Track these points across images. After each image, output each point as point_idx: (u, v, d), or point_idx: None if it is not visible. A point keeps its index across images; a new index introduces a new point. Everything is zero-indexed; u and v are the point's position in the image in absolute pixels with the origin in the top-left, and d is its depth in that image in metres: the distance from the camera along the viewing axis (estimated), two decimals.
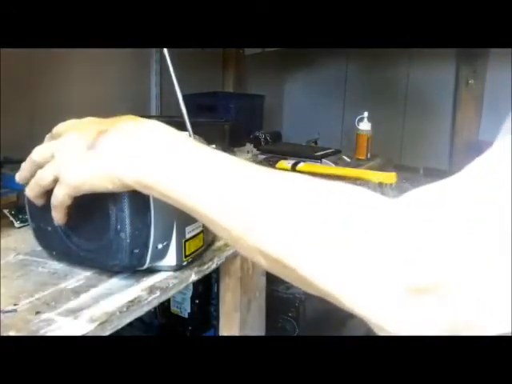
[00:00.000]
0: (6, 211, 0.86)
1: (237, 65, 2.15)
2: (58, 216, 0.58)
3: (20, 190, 0.92)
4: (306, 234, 0.37)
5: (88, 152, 0.51)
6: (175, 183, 0.45)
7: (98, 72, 1.57)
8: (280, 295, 1.20)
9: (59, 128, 0.58)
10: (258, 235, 0.40)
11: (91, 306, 0.58)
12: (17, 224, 0.83)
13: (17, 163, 1.14)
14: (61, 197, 0.54)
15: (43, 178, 0.55)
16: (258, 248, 0.40)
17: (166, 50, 0.59)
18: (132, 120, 0.51)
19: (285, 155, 1.43)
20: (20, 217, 0.84)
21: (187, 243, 0.68)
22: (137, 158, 0.47)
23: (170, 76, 0.60)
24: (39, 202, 0.60)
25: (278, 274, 0.42)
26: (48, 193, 0.63)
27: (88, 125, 0.54)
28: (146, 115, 1.67)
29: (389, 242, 0.34)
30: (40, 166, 0.56)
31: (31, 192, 0.59)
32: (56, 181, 0.54)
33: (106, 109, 1.66)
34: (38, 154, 0.57)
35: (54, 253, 0.69)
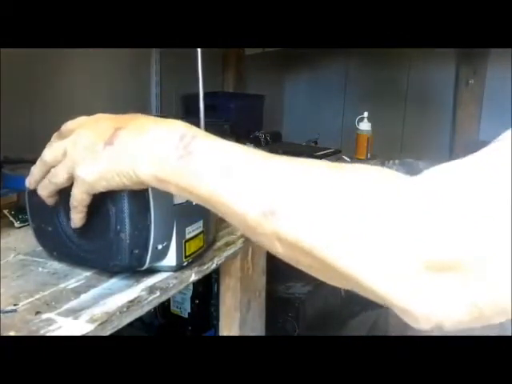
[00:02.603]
0: (5, 211, 0.86)
1: (237, 65, 2.15)
2: (78, 217, 0.58)
3: (20, 190, 0.92)
4: (326, 216, 0.37)
5: (105, 148, 0.50)
6: (192, 174, 0.45)
7: (98, 72, 1.57)
8: (280, 295, 1.20)
9: (69, 125, 0.57)
10: (276, 220, 0.39)
11: (91, 305, 0.58)
12: (17, 224, 0.83)
13: (17, 163, 1.14)
14: (79, 195, 0.54)
15: (57, 175, 0.55)
16: (276, 233, 0.39)
17: (199, 50, 0.59)
18: (145, 117, 0.51)
19: (285, 155, 1.43)
20: (20, 217, 0.84)
21: (187, 244, 0.68)
22: (154, 153, 0.47)
23: (197, 76, 0.60)
24: (51, 201, 0.59)
25: (293, 260, 0.41)
26: (58, 193, 0.63)
27: (102, 121, 0.53)
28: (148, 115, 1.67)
29: (408, 219, 0.33)
30: (52, 167, 0.55)
31: (44, 191, 0.58)
32: (70, 179, 0.54)
33: (106, 109, 1.66)
34: (49, 154, 0.56)
35: (55, 253, 0.69)
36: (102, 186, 0.52)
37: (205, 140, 0.46)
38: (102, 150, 0.50)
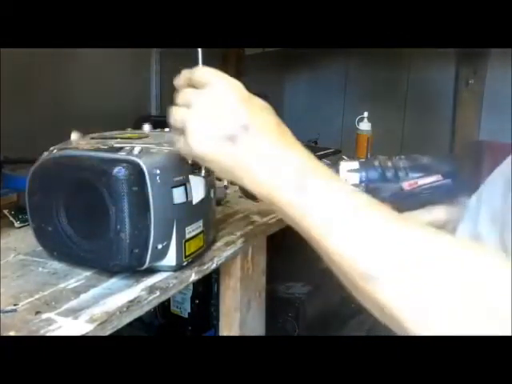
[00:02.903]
0: (5, 211, 0.86)
1: (237, 65, 2.15)
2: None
3: (20, 190, 0.92)
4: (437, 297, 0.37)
5: (226, 143, 0.49)
6: (302, 211, 0.45)
7: (98, 72, 1.57)
8: (280, 295, 1.20)
9: (202, 76, 0.54)
10: (374, 285, 0.40)
11: (91, 305, 0.58)
12: (17, 224, 0.83)
13: (17, 163, 1.14)
14: (181, 151, 0.54)
15: (175, 117, 0.54)
16: (377, 299, 0.40)
17: (200, 50, 0.59)
18: (273, 121, 0.50)
19: None
20: (20, 217, 0.84)
21: (187, 243, 0.68)
22: (272, 176, 0.48)
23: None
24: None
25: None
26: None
27: (229, 103, 0.51)
28: (146, 115, 1.67)
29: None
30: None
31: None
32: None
33: (106, 109, 1.67)
34: (172, 115, 0.54)
35: (55, 253, 0.69)
36: (199, 162, 0.53)
37: (323, 177, 0.46)
38: (223, 140, 0.50)
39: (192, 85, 0.55)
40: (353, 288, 0.43)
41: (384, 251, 0.40)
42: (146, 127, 0.76)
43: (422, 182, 0.72)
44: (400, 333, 0.39)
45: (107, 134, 0.74)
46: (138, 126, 0.79)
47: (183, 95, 0.54)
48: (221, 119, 0.50)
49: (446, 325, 0.36)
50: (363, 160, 0.78)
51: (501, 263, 0.38)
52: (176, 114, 0.54)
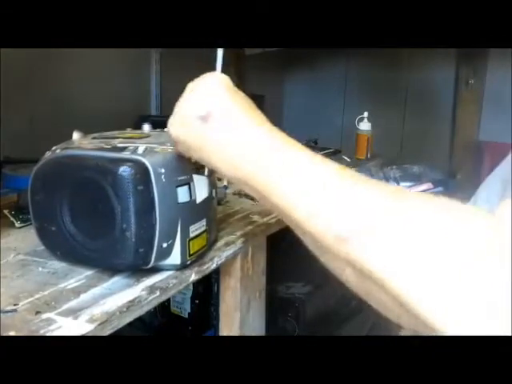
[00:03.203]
0: (6, 211, 0.86)
1: (237, 65, 2.15)
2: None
3: (20, 189, 0.92)
4: (415, 252, 0.36)
5: (198, 121, 0.53)
6: (269, 185, 0.46)
7: (98, 72, 1.57)
8: (280, 295, 1.20)
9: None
10: (350, 245, 0.39)
11: (91, 305, 0.58)
12: (17, 224, 0.83)
13: (17, 163, 1.14)
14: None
15: None
16: (348, 258, 0.40)
17: (220, 50, 0.61)
18: (247, 105, 0.54)
19: None
20: (21, 217, 0.84)
21: (191, 242, 0.68)
22: (239, 152, 0.49)
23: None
24: None
25: (362, 290, 0.42)
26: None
27: (196, 94, 0.55)
28: (146, 115, 1.67)
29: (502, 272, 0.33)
30: None
31: None
32: None
33: (106, 109, 1.67)
34: None
35: (58, 252, 0.69)
36: (176, 144, 0.58)
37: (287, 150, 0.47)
38: (195, 120, 0.53)
39: None
40: (324, 252, 0.43)
41: (353, 212, 0.40)
42: (146, 127, 0.76)
43: (413, 190, 0.72)
44: (374, 291, 0.39)
45: (108, 133, 0.74)
46: (138, 126, 0.79)
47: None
48: (196, 100, 0.54)
49: (421, 273, 0.35)
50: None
51: (472, 212, 0.38)
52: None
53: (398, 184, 0.74)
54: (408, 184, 0.74)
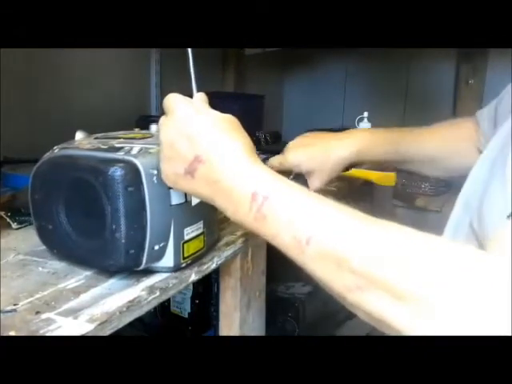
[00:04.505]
0: (2, 213, 0.85)
1: (237, 65, 2.15)
2: None
3: (18, 189, 0.92)
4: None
5: (186, 176, 0.53)
6: (269, 236, 0.47)
7: (97, 72, 1.57)
8: (280, 295, 1.20)
9: (167, 104, 0.57)
10: (360, 294, 0.41)
11: (91, 305, 0.58)
12: (14, 225, 0.83)
13: (17, 163, 1.14)
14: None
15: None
16: (362, 306, 0.42)
17: (189, 50, 0.60)
18: (220, 156, 0.51)
19: None
20: (17, 218, 0.84)
21: (186, 245, 0.68)
22: (230, 206, 0.50)
23: (190, 76, 0.61)
24: None
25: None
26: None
27: (182, 139, 0.53)
28: (146, 115, 1.67)
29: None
30: None
31: None
32: None
33: (106, 109, 1.67)
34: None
35: (55, 251, 0.69)
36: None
37: (277, 200, 0.46)
38: (182, 174, 0.54)
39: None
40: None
41: (365, 262, 0.40)
42: (154, 127, 0.76)
43: None
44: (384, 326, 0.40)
45: (111, 134, 0.74)
46: (138, 126, 0.79)
47: (159, 123, 0.58)
48: (177, 155, 0.54)
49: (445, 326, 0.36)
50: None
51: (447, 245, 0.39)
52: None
53: None
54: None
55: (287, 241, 0.45)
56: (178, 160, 0.53)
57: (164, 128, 0.56)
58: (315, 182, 0.92)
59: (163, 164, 0.56)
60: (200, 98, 0.58)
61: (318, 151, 0.93)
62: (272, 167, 0.87)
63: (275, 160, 0.95)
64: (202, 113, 0.55)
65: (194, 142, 0.52)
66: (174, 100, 0.57)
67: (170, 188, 0.63)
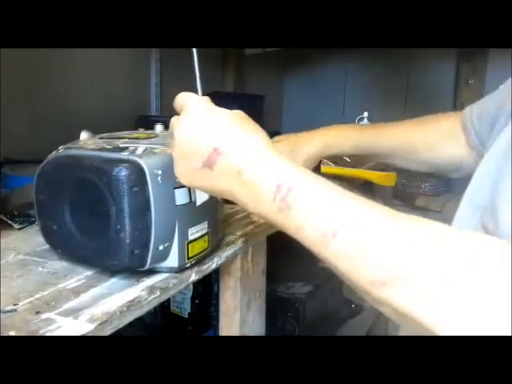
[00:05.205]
0: (1, 216, 0.85)
1: (237, 65, 2.15)
2: None
3: (16, 189, 0.92)
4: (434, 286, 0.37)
5: (204, 170, 0.51)
6: (293, 228, 0.45)
7: (97, 72, 1.57)
8: (280, 295, 1.20)
9: (176, 102, 0.56)
10: (385, 289, 0.40)
11: (91, 305, 0.58)
12: (16, 226, 0.83)
13: (17, 163, 1.14)
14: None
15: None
16: (388, 301, 0.40)
17: (194, 50, 0.59)
18: (242, 145, 0.50)
19: None
20: (16, 219, 0.84)
21: (190, 245, 0.68)
22: (252, 199, 0.48)
23: (195, 75, 0.60)
24: None
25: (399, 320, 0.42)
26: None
27: (200, 133, 0.52)
28: (146, 115, 1.67)
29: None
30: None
31: None
32: None
33: (106, 109, 1.67)
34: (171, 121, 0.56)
35: (60, 251, 0.69)
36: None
37: (302, 191, 0.45)
38: (200, 168, 0.51)
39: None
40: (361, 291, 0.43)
41: (389, 257, 0.40)
42: (159, 127, 0.76)
43: None
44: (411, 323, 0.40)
45: (116, 134, 0.74)
46: (137, 126, 0.79)
47: (171, 123, 0.56)
48: (193, 148, 0.51)
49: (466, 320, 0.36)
50: None
51: (466, 236, 0.39)
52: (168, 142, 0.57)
53: None
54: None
55: (311, 234, 0.43)
56: (196, 155, 0.51)
57: (179, 126, 0.54)
58: None
59: (178, 162, 0.54)
60: (207, 98, 0.57)
61: (287, 149, 0.98)
62: None
63: None
64: (216, 109, 0.54)
65: (212, 135, 0.51)
66: (187, 98, 0.55)
67: (175, 188, 0.63)
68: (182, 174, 0.54)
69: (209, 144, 0.50)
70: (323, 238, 0.43)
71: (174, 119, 0.56)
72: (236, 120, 0.52)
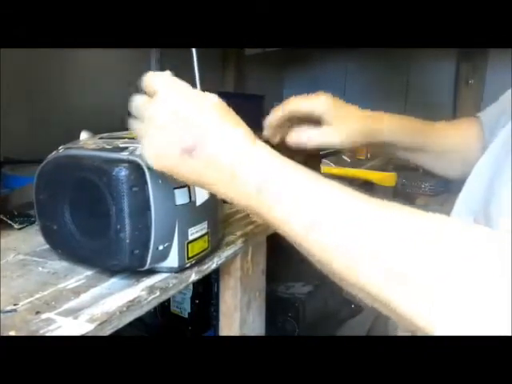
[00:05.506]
0: (1, 216, 0.85)
1: (237, 65, 2.15)
2: None
3: (16, 189, 0.92)
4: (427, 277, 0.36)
5: (183, 156, 0.49)
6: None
7: (97, 72, 1.57)
8: (280, 295, 1.20)
9: (149, 84, 0.54)
10: (356, 274, 0.40)
11: (91, 305, 0.58)
12: (16, 226, 0.83)
13: (17, 163, 1.14)
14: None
15: (132, 128, 0.55)
16: (360, 286, 0.40)
17: (194, 50, 0.59)
18: (220, 144, 0.49)
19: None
20: (16, 220, 0.84)
21: (190, 245, 0.68)
22: (232, 190, 0.48)
23: (195, 75, 0.60)
24: None
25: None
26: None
27: (181, 121, 0.50)
28: None
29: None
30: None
31: None
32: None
33: (106, 109, 1.66)
34: (136, 101, 0.56)
35: (60, 251, 0.69)
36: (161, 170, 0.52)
37: (283, 185, 0.45)
38: (179, 155, 0.49)
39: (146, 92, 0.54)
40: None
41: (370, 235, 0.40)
42: None
43: None
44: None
45: (116, 133, 0.74)
46: None
47: (135, 105, 0.55)
48: (173, 133, 0.50)
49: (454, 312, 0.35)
50: None
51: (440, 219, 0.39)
52: (132, 126, 0.55)
53: None
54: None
55: (293, 227, 0.43)
56: (173, 140, 0.49)
57: (156, 110, 0.51)
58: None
59: (152, 138, 0.51)
60: (184, 84, 0.54)
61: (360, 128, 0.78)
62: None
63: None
64: (191, 93, 0.52)
65: (191, 121, 0.49)
66: (160, 82, 0.53)
67: (175, 188, 0.63)
68: (157, 156, 0.51)
69: (188, 130, 0.49)
70: (304, 231, 0.42)
71: (141, 101, 0.54)
72: (215, 107, 0.51)
